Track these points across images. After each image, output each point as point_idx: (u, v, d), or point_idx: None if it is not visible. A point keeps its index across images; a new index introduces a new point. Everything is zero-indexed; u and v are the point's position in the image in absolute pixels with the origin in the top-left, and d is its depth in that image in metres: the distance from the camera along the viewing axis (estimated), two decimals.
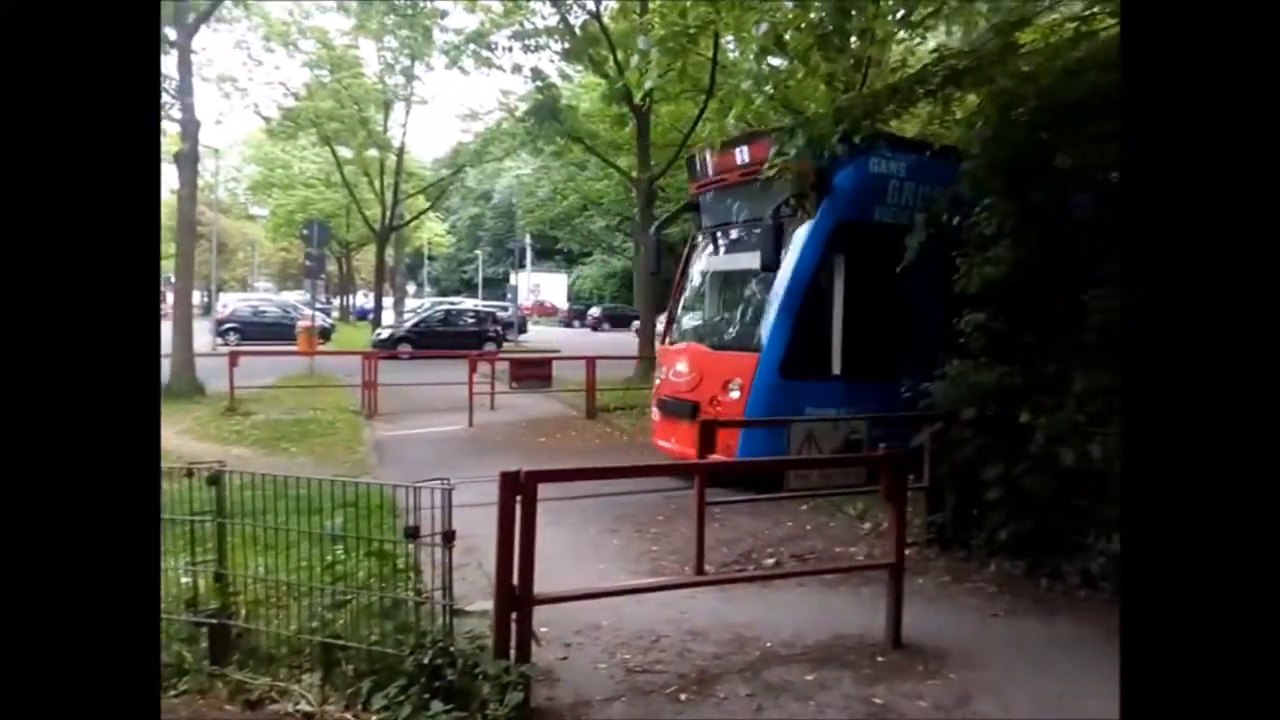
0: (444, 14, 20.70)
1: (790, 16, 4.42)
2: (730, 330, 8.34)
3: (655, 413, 8.77)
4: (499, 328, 26.41)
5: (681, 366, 8.17)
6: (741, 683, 3.64)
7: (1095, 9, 5.29)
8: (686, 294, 9.08)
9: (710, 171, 8.34)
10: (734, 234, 8.48)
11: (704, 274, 8.99)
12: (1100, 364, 4.72)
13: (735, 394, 7.26)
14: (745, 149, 7.47)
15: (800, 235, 7.24)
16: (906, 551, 5.16)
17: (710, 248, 8.80)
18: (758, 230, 7.10)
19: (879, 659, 3.90)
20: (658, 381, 8.86)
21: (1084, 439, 4.73)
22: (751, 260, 7.34)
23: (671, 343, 8.84)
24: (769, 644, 4.07)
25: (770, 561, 5.57)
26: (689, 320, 8.97)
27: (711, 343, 8.22)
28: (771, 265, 6.98)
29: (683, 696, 3.52)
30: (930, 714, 3.38)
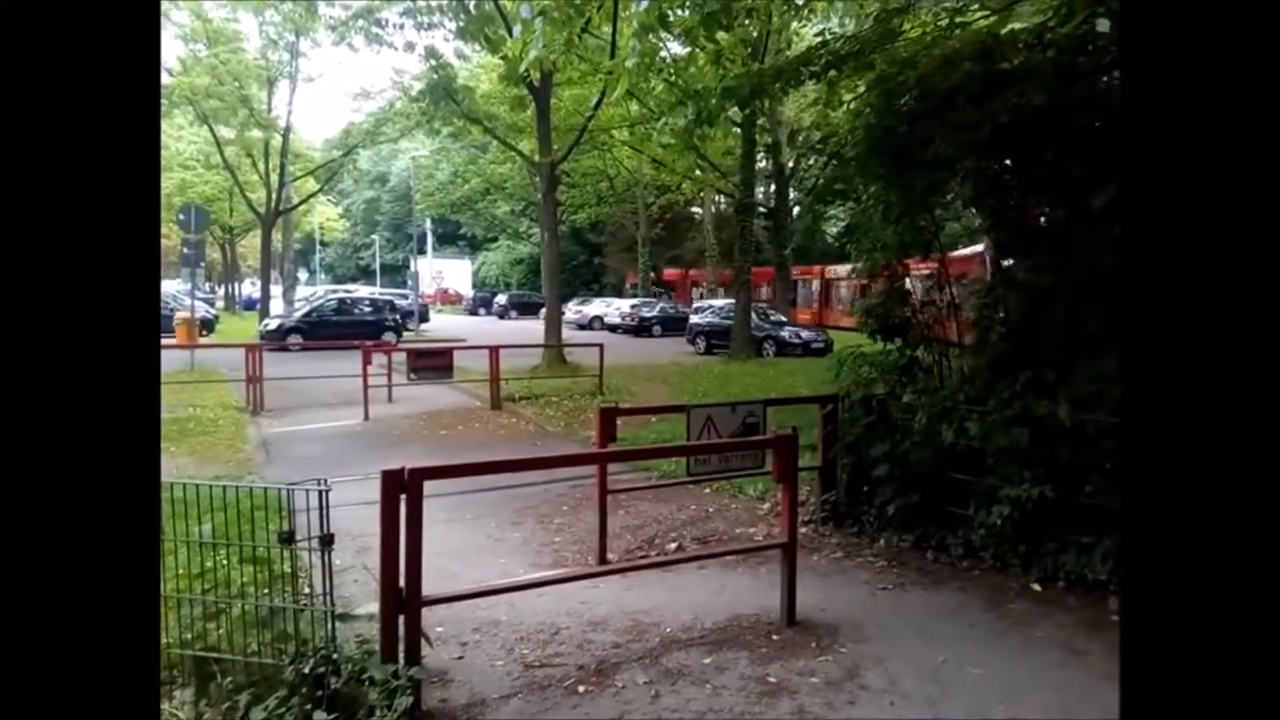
0: None
1: None
2: None
3: None
4: (398, 316, 25.50)
5: None
6: (640, 670, 3.63)
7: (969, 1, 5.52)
8: None
9: None
10: None
11: None
12: (978, 347, 4.96)
13: None
14: None
15: None
16: (802, 530, 5.32)
17: None
18: None
19: (774, 637, 3.98)
20: None
21: (963, 417, 4.97)
22: None
23: None
24: (668, 629, 4.09)
25: (673, 546, 5.61)
26: None
27: None
28: None
29: (581, 689, 3.48)
30: (821, 689, 3.47)
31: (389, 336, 22.15)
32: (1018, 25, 5.65)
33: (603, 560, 5.11)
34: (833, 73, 5.88)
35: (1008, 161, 5.52)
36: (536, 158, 17.24)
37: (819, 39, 6.55)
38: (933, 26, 5.81)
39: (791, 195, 24.54)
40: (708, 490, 6.87)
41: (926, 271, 6.14)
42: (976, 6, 6.14)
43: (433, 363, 12.37)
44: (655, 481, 6.95)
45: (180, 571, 3.63)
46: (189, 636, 3.45)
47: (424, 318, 32.08)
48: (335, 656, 3.17)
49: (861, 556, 5.25)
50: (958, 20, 5.68)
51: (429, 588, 3.35)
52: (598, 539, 5.15)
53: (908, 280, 6.01)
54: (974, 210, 6.23)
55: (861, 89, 6.63)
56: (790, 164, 24.54)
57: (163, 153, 31.76)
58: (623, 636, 4.01)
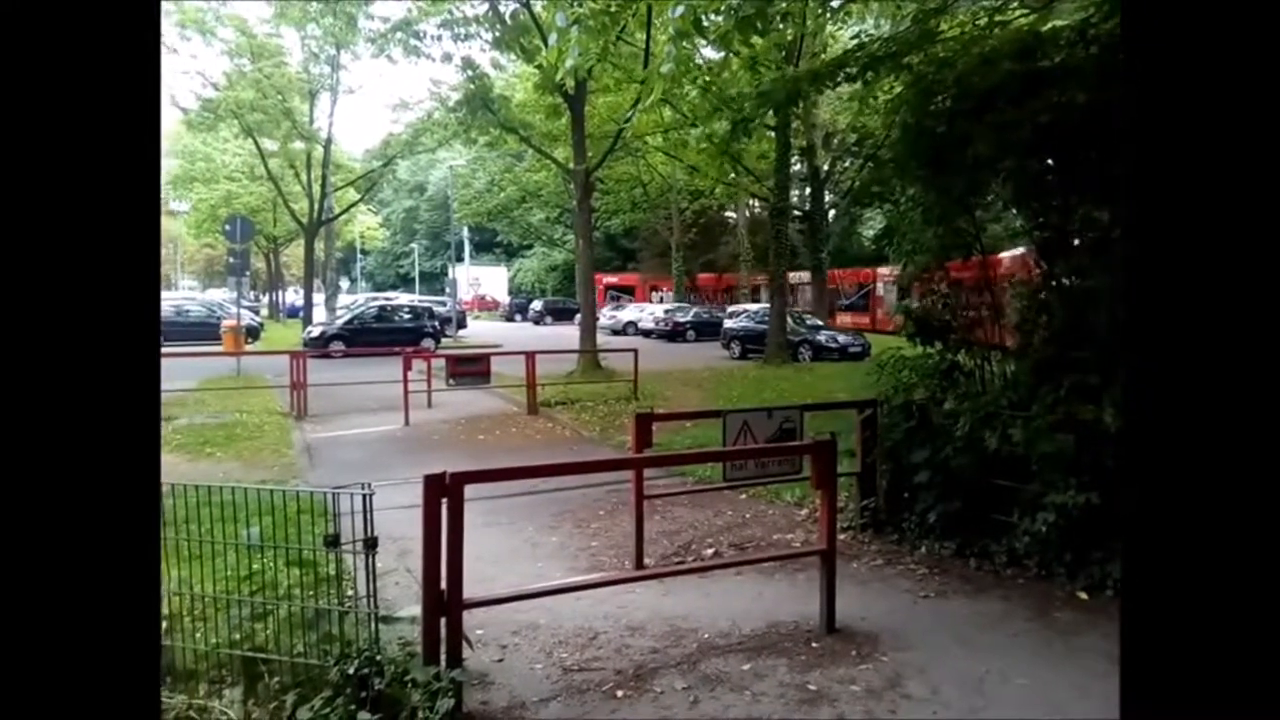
0: (369, 1, 20.14)
1: (709, 1, 4.40)
2: None
3: None
4: (437, 323, 25.87)
5: None
6: (678, 676, 3.63)
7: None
8: None
9: None
10: None
11: None
12: (1021, 352, 4.86)
13: None
14: None
15: None
16: (841, 536, 5.27)
17: None
18: None
19: (813, 645, 3.95)
20: None
21: (1006, 423, 4.88)
22: None
23: None
24: (706, 635, 4.08)
25: (709, 552, 5.60)
26: None
27: None
28: None
29: (619, 693, 3.49)
30: (862, 697, 3.43)
31: (428, 343, 22.48)
32: (1059, 22, 5.55)
33: (639, 565, 5.13)
34: (869, 75, 5.84)
35: (1050, 161, 5.41)
36: (571, 165, 17.38)
37: (855, 41, 6.51)
38: (971, 26, 5.74)
39: (827, 198, 24.34)
40: (744, 496, 6.84)
41: (968, 274, 6.04)
42: (1016, 4, 6.04)
43: (471, 369, 12.52)
44: (691, 487, 6.94)
45: (229, 573, 3.74)
46: (237, 637, 3.54)
47: (461, 324, 32.49)
48: (378, 658, 3.23)
49: (902, 564, 5.18)
50: (997, 19, 5.60)
51: (468, 591, 3.39)
52: (634, 544, 5.16)
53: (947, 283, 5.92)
54: (1015, 211, 6.12)
55: (898, 90, 6.57)
56: (825, 166, 24.36)
57: (209, 165, 32.84)
58: (660, 642, 4.01)
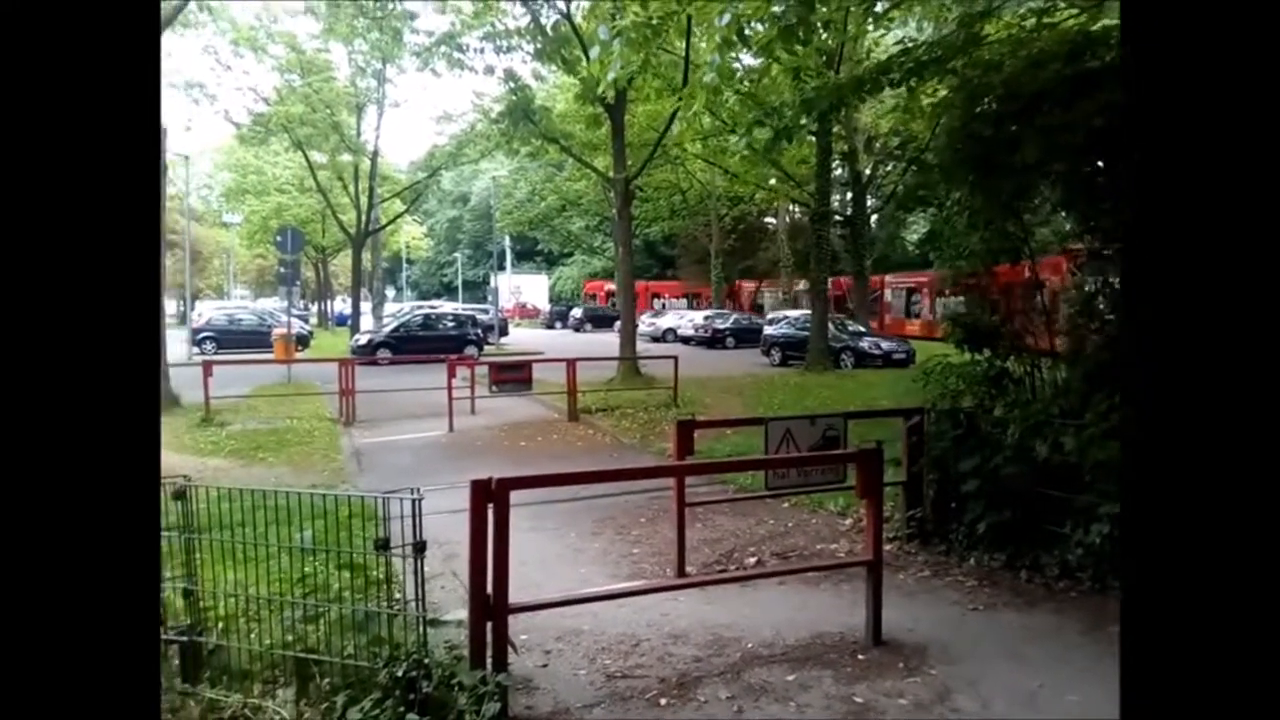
0: (414, 16, 20.56)
1: (752, 8, 4.40)
2: None
3: None
4: (479, 331, 26.21)
5: None
6: (722, 685, 3.62)
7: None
8: None
9: None
10: None
11: None
12: (1073, 358, 4.75)
13: None
14: None
15: None
16: (887, 547, 5.19)
17: None
18: None
19: (859, 657, 3.89)
20: None
21: (1057, 431, 4.76)
22: None
23: None
24: (750, 645, 4.05)
25: (752, 561, 5.56)
26: None
27: None
28: None
29: (663, 701, 3.49)
30: (910, 711, 3.38)
31: (471, 350, 22.78)
32: (1109, 21, 5.42)
33: (681, 573, 5.12)
34: (914, 80, 5.77)
35: (1100, 164, 5.28)
36: (611, 174, 17.47)
37: (898, 46, 6.44)
38: (1018, 28, 5.63)
39: (869, 202, 24.04)
40: (786, 505, 6.78)
41: (1016, 279, 5.92)
42: (1064, 5, 5.91)
43: (513, 376, 12.67)
44: (732, 495, 6.91)
45: (282, 576, 3.84)
46: (290, 638, 3.62)
47: (503, 331, 32.85)
48: (426, 661, 3.28)
49: (950, 575, 5.08)
50: (1045, 20, 5.48)
51: (513, 596, 3.43)
52: (676, 551, 5.16)
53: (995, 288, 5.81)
54: (1065, 215, 5.98)
55: (942, 94, 6.48)
56: (867, 171, 24.07)
57: (261, 178, 33.83)
58: (703, 650, 4.00)
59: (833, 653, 3.94)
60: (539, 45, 16.38)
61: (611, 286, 45.25)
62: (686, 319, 33.53)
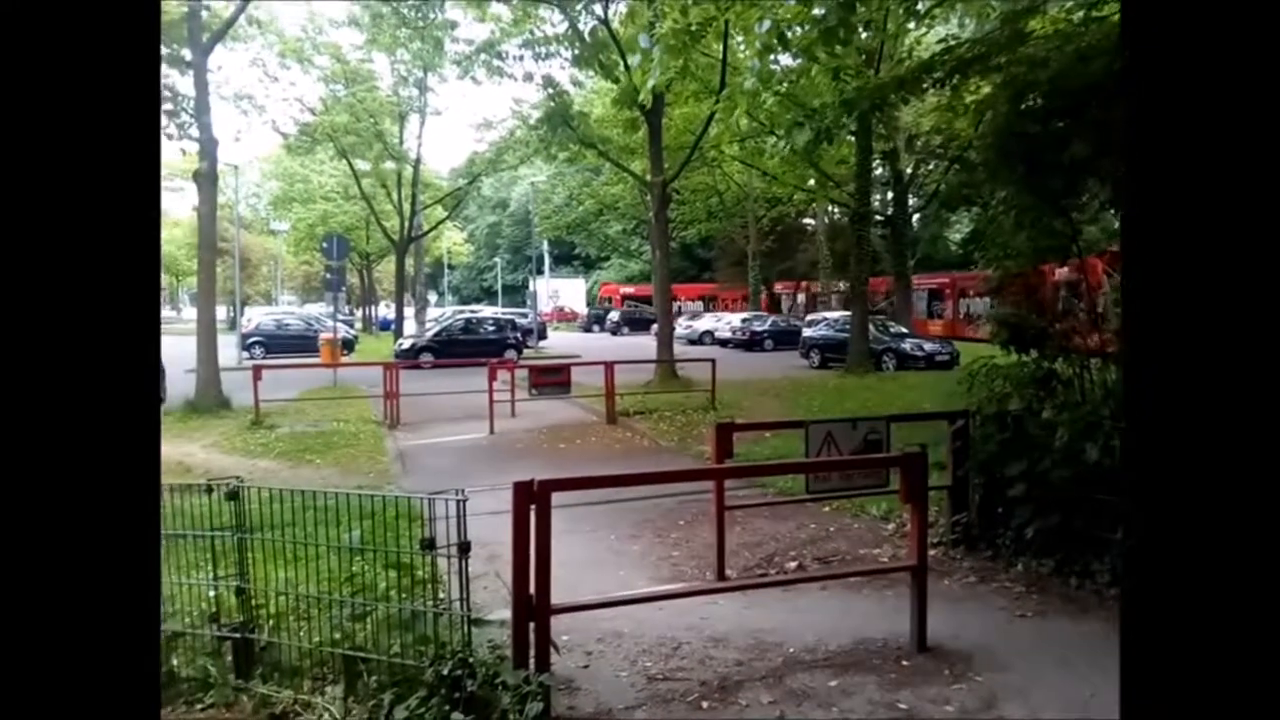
0: (454, 25, 20.88)
1: (792, 13, 4.39)
2: None
3: None
4: (519, 334, 26.51)
5: None
6: (764, 690, 3.60)
7: None
8: None
9: None
10: None
11: None
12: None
13: None
14: None
15: None
16: (932, 552, 5.10)
17: None
18: None
19: (904, 663, 3.84)
20: None
21: (1108, 434, 4.64)
22: None
23: None
24: (791, 649, 4.03)
25: (793, 565, 5.52)
26: None
27: None
28: None
29: (705, 704, 3.49)
30: (956, 719, 3.32)
31: (510, 354, 23.03)
32: None
33: (721, 576, 5.10)
34: (957, 78, 5.68)
35: None
36: (648, 177, 17.53)
37: (940, 44, 6.34)
38: (1064, 23, 5.51)
39: (911, 202, 23.69)
40: (826, 509, 6.72)
41: (1065, 278, 5.79)
42: None
43: (552, 379, 12.77)
44: (772, 499, 6.87)
45: (330, 575, 3.93)
46: (338, 636, 3.70)
47: (542, 335, 33.12)
48: (471, 660, 3.32)
49: (997, 581, 4.98)
50: (1093, 15, 5.36)
51: (555, 596, 3.46)
52: (715, 555, 5.14)
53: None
54: (1114, 213, 5.82)
55: (985, 91, 6.37)
56: (909, 170, 23.72)
57: (307, 186, 34.69)
58: (745, 654, 3.98)
59: (876, 658, 3.90)
60: (577, 51, 16.53)
61: (626, 290, 45.99)
62: (724, 321, 33.42)
